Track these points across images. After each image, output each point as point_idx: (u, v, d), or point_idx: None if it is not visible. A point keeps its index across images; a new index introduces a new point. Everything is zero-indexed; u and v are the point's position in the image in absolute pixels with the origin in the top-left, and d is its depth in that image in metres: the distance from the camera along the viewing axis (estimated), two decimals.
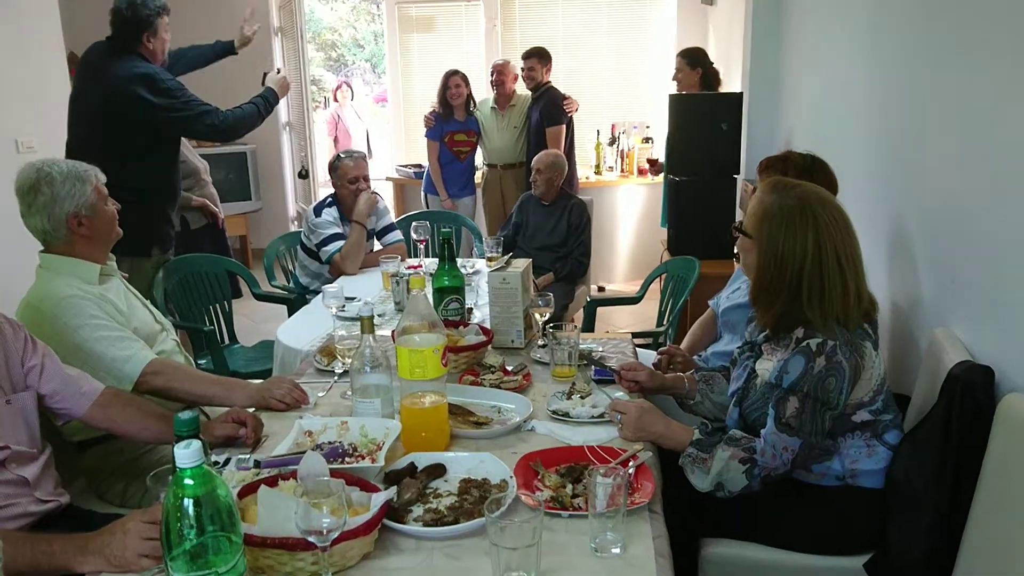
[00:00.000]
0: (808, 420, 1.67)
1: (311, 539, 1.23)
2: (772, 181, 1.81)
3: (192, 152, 4.80)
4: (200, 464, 1.02)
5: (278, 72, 3.89)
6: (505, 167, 5.39)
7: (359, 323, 2.78)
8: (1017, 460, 1.51)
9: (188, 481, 1.01)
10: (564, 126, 5.13)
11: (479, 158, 5.61)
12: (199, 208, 4.62)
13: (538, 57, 5.21)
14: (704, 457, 1.73)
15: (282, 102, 6.98)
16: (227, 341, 3.67)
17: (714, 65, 4.74)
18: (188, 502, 1.01)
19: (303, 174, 6.65)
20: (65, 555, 1.41)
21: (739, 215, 3.90)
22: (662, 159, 5.37)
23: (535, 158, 4.23)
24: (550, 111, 5.11)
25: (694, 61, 4.66)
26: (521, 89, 5.38)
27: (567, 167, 4.35)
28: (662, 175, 5.29)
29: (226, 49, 3.94)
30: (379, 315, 2.89)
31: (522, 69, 5.24)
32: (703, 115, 3.86)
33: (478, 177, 5.64)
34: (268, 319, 5.42)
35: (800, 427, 1.67)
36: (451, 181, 5.46)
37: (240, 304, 3.88)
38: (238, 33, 4.02)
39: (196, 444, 1.02)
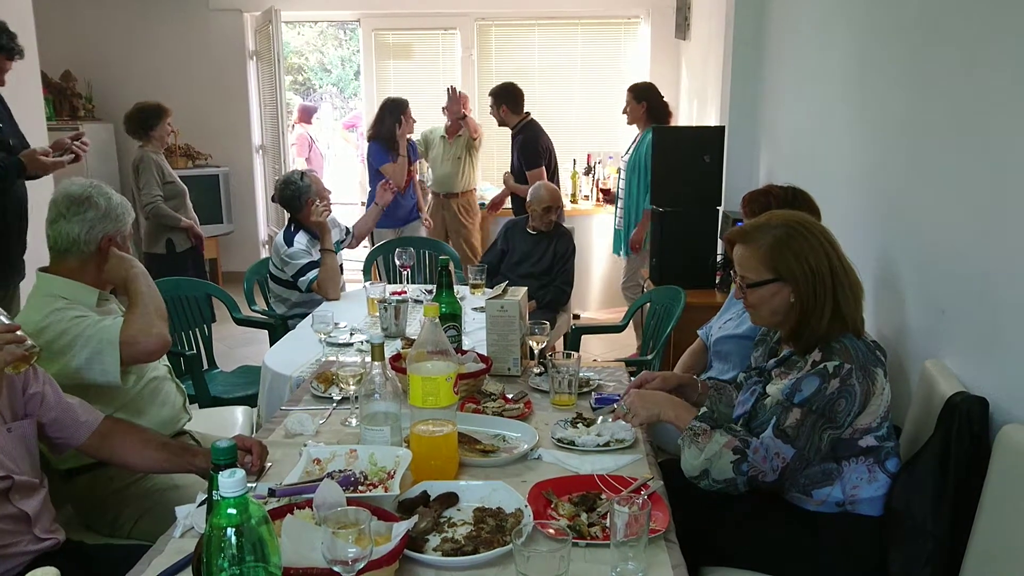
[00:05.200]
0: (806, 433, 1.69)
1: (337, 569, 1.22)
2: (743, 230, 1.86)
3: (174, 174, 4.79)
4: (244, 494, 1.00)
5: (62, 153, 3.36)
6: (447, 196, 5.39)
7: (347, 349, 2.85)
8: (1016, 490, 1.55)
9: (231, 511, 1.00)
10: (543, 167, 5.08)
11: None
12: (185, 229, 4.62)
13: (493, 96, 5.16)
14: (705, 429, 1.75)
15: (255, 125, 7.02)
16: (206, 366, 3.61)
17: (664, 99, 4.89)
18: (231, 532, 1.00)
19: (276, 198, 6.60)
20: None
21: (720, 246, 3.97)
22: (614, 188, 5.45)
23: (544, 194, 4.13)
24: (528, 155, 5.09)
25: (639, 95, 4.82)
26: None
27: None
28: (615, 204, 5.27)
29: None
30: (367, 341, 2.87)
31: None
32: (686, 147, 3.93)
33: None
34: (243, 344, 5.36)
35: (796, 437, 1.69)
36: (393, 211, 5.08)
37: (214, 329, 3.81)
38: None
39: (240, 473, 1.00)
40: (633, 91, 4.87)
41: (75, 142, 3.43)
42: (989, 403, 1.73)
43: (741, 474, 1.71)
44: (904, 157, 2.34)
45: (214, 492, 1.08)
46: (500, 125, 5.26)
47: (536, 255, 4.11)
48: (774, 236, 1.79)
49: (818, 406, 1.69)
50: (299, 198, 3.63)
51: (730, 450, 1.72)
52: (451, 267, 2.48)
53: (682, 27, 5.93)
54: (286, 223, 3.78)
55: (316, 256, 3.61)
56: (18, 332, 1.60)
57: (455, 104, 5.33)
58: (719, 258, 3.96)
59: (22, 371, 1.61)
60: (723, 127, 4.15)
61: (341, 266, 3.86)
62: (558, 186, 4.87)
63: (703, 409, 1.83)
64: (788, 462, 1.71)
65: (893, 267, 2.38)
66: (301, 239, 3.62)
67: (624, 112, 4.91)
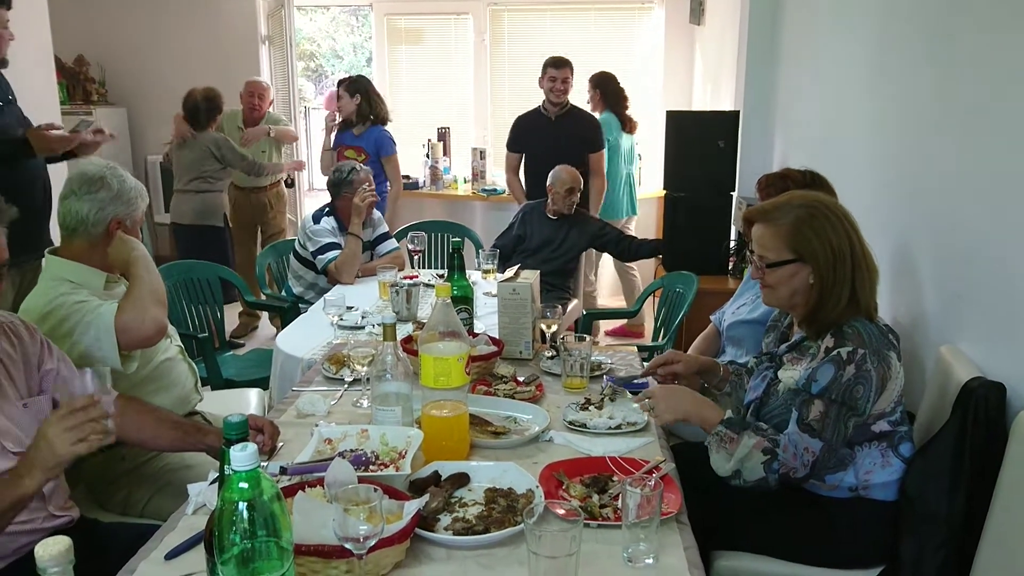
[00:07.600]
0: (831, 424, 1.68)
1: (348, 546, 1.22)
2: (763, 209, 1.83)
3: None
4: (255, 467, 1.00)
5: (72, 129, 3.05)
6: (253, 190, 5.25)
7: (359, 332, 2.85)
8: None
9: (243, 484, 1.00)
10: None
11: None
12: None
13: (571, 68, 4.63)
14: (732, 437, 1.73)
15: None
16: (218, 348, 3.62)
17: (621, 87, 5.30)
18: (243, 506, 1.00)
19: (289, 183, 6.60)
20: (14, 485, 1.43)
21: (734, 232, 3.94)
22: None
23: (566, 176, 3.98)
24: (595, 136, 4.71)
25: (595, 84, 5.30)
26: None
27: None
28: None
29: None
30: (378, 324, 2.87)
31: (552, 79, 4.58)
32: (699, 132, 3.90)
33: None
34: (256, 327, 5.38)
35: (823, 430, 1.68)
36: None
37: (227, 312, 3.82)
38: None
39: (252, 447, 1.00)
40: (591, 80, 5.30)
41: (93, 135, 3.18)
42: (1007, 388, 1.71)
43: (772, 472, 1.70)
44: (922, 142, 2.31)
45: (226, 466, 1.08)
46: (558, 101, 4.61)
47: (556, 241, 3.98)
48: (796, 215, 1.76)
49: (838, 395, 1.67)
50: (339, 186, 3.71)
51: (760, 451, 1.70)
52: (461, 250, 2.47)
53: (697, 12, 5.87)
54: (322, 206, 3.80)
55: (339, 239, 3.63)
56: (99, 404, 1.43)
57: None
58: (732, 244, 3.93)
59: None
60: (737, 112, 4.12)
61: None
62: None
63: (728, 413, 1.80)
64: (817, 455, 1.69)
65: (909, 252, 2.35)
66: (329, 221, 3.67)
67: (587, 101, 5.29)
